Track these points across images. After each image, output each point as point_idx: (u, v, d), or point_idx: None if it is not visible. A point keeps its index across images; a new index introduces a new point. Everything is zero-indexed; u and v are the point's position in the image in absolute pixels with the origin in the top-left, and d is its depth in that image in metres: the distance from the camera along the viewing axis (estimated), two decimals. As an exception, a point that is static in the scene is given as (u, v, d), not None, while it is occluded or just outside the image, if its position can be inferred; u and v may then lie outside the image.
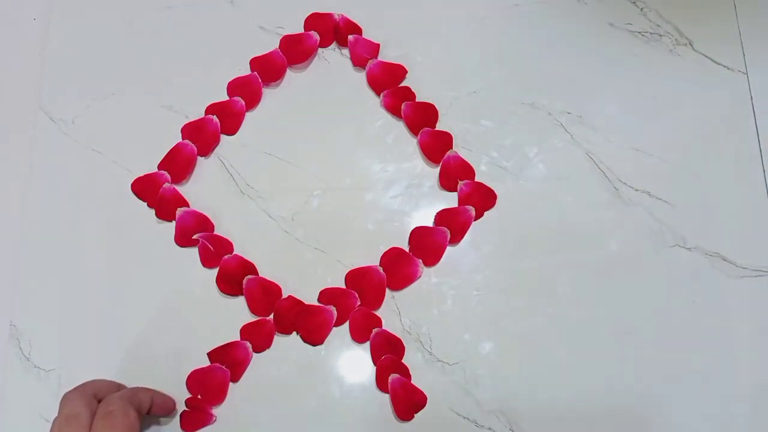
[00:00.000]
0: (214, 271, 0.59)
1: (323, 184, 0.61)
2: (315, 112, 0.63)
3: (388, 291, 0.58)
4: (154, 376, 0.56)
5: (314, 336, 0.57)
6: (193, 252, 0.59)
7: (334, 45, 0.65)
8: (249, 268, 0.58)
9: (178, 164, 0.61)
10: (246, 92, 0.63)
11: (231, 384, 0.56)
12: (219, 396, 0.55)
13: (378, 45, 0.64)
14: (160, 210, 0.60)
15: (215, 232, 0.59)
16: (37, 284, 0.59)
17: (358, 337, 0.57)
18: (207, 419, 0.55)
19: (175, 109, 0.63)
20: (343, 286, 0.58)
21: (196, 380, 0.55)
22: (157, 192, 0.60)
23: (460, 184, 0.61)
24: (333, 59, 0.65)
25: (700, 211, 0.61)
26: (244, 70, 0.64)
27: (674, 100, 0.64)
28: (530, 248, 0.60)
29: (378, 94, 0.64)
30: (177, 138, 0.62)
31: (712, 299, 0.59)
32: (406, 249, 0.59)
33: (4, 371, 0.57)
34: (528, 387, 0.56)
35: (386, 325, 0.58)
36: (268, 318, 0.58)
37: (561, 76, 0.64)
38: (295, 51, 0.64)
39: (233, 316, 0.58)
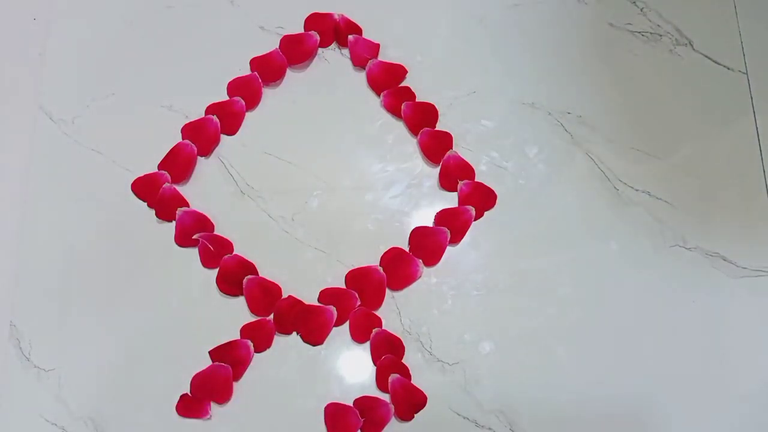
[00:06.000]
0: (214, 271, 0.59)
1: (323, 184, 0.61)
2: (315, 112, 0.63)
3: (388, 291, 0.58)
4: (154, 375, 0.56)
5: (314, 336, 0.57)
6: (193, 252, 0.59)
7: (334, 45, 0.65)
8: (249, 268, 0.58)
9: (178, 164, 0.61)
10: (246, 92, 0.63)
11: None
12: (225, 394, 0.55)
13: (378, 45, 0.64)
14: (160, 210, 0.60)
15: (215, 232, 0.59)
16: (37, 284, 0.59)
17: (358, 337, 0.57)
18: (202, 412, 0.55)
19: (175, 109, 0.63)
20: (343, 286, 0.58)
21: (200, 382, 0.55)
22: (157, 192, 0.60)
23: (460, 184, 0.61)
24: (333, 59, 0.65)
25: (700, 211, 0.61)
26: (244, 70, 0.64)
27: (674, 101, 0.64)
28: (530, 248, 0.60)
29: (378, 94, 0.64)
30: (177, 138, 0.62)
31: (712, 299, 0.59)
32: (406, 249, 0.59)
33: (4, 371, 0.57)
34: (528, 387, 0.56)
35: (386, 325, 0.58)
36: (268, 318, 0.58)
37: (561, 76, 0.64)
38: (295, 51, 0.64)
39: (233, 316, 0.58)
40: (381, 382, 0.56)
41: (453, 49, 0.65)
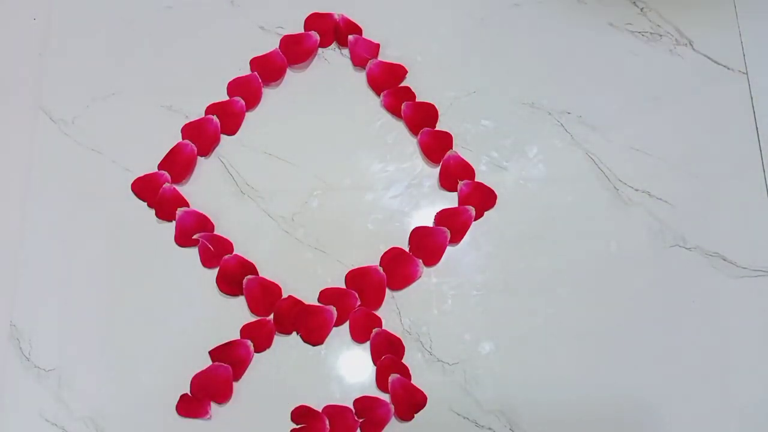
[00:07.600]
0: (214, 271, 0.59)
1: (323, 184, 0.61)
2: (315, 112, 0.63)
3: (388, 291, 0.58)
4: (154, 375, 0.56)
5: (314, 336, 0.57)
6: (193, 252, 0.59)
7: (334, 45, 0.65)
8: (249, 268, 0.58)
9: (178, 164, 0.61)
10: (246, 92, 0.63)
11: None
12: (224, 394, 0.55)
13: (378, 45, 0.64)
14: (160, 210, 0.60)
15: (215, 232, 0.59)
16: (37, 284, 0.59)
17: (358, 337, 0.57)
18: (202, 412, 0.55)
19: (175, 109, 0.63)
20: (343, 286, 0.58)
21: (200, 382, 0.55)
22: (157, 192, 0.60)
23: (460, 184, 0.61)
24: (333, 59, 0.65)
25: (700, 211, 0.61)
26: (244, 70, 0.64)
27: (674, 101, 0.64)
28: (530, 248, 0.60)
29: (378, 94, 0.64)
30: (177, 138, 0.62)
31: (712, 299, 0.59)
32: (406, 249, 0.59)
33: (4, 371, 0.57)
34: (528, 387, 0.56)
35: (386, 325, 0.58)
36: (268, 318, 0.58)
37: (561, 76, 0.64)
38: (295, 51, 0.64)
39: (233, 316, 0.58)
40: (381, 382, 0.56)
41: (453, 49, 0.65)
